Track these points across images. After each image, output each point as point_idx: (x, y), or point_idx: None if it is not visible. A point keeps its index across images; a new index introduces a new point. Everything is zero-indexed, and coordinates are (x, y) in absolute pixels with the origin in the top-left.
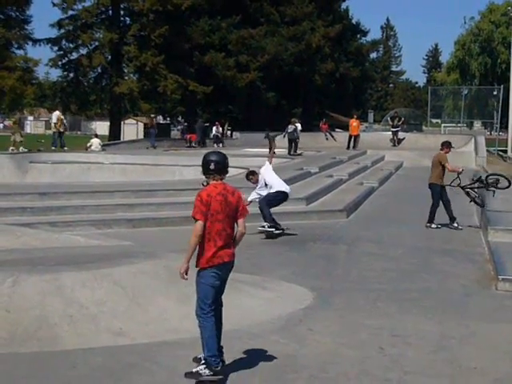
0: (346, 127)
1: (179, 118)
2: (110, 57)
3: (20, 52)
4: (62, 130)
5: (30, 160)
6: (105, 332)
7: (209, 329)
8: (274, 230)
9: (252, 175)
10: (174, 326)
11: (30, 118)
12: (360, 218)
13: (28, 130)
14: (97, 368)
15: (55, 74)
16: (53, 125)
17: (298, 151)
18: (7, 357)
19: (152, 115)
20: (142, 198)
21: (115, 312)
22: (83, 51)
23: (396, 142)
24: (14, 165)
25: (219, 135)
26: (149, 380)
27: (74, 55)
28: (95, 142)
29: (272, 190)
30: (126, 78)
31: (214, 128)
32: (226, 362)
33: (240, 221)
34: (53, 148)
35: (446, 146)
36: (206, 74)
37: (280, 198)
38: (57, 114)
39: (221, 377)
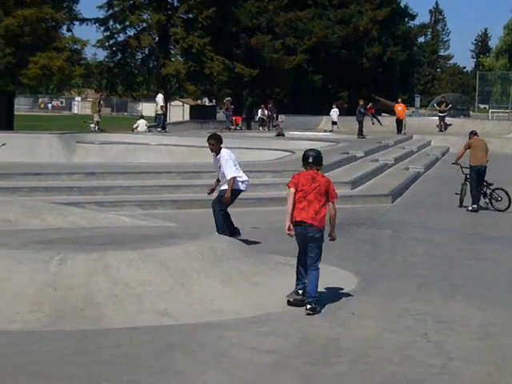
0: (392, 112)
1: (225, 100)
2: (157, 38)
3: (68, 33)
4: (163, 112)
5: (78, 140)
6: (149, 312)
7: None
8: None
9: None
10: (218, 307)
11: (78, 98)
12: (405, 203)
13: (75, 110)
14: (141, 347)
15: (102, 55)
16: (158, 107)
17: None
18: (54, 334)
19: (227, 98)
20: (187, 179)
21: (160, 292)
22: (130, 32)
23: (443, 127)
24: (61, 144)
25: (265, 118)
26: (192, 360)
27: (121, 36)
28: (141, 123)
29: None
30: (173, 59)
31: (260, 111)
32: (270, 345)
33: (331, 204)
34: (158, 130)
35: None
36: (252, 57)
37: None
38: (161, 96)
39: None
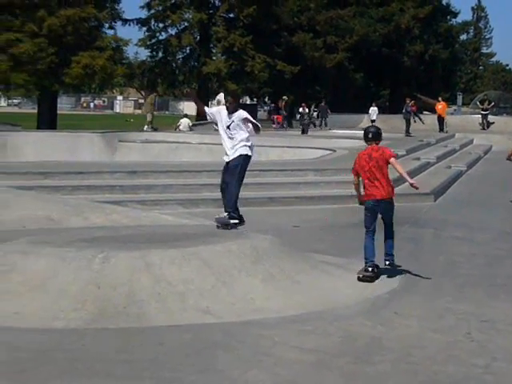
0: (434, 110)
1: (266, 99)
2: (198, 37)
3: (110, 32)
4: None
5: (120, 139)
6: (192, 310)
7: (365, 243)
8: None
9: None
10: (259, 306)
11: (120, 97)
12: (448, 201)
13: (117, 109)
14: (184, 345)
15: (144, 54)
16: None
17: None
18: (97, 332)
19: (284, 97)
20: None
21: (202, 290)
22: (171, 31)
23: (485, 125)
24: (103, 143)
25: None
26: (234, 359)
27: (163, 35)
28: (184, 122)
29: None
30: (214, 58)
31: (301, 109)
32: (312, 344)
33: (392, 164)
34: (215, 128)
35: None
36: (293, 55)
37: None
38: (222, 95)
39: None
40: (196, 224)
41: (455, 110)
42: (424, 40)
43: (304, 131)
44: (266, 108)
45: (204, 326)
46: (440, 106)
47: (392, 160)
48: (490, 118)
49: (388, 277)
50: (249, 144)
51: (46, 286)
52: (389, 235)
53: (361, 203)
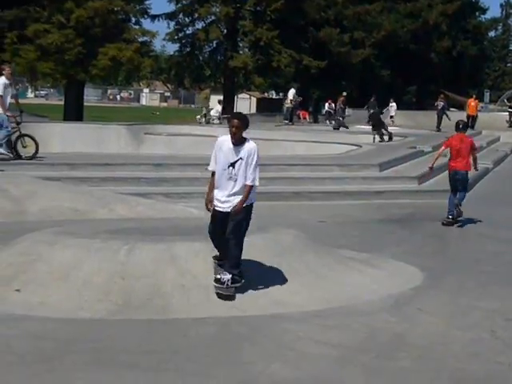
0: (461, 107)
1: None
2: (225, 31)
3: (137, 26)
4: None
5: (146, 131)
6: (216, 303)
7: (449, 198)
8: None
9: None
10: (283, 300)
11: (146, 90)
12: (473, 198)
13: (143, 102)
14: (208, 337)
15: (171, 48)
16: (288, 101)
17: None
18: (122, 323)
19: (344, 93)
20: None
21: None
22: (198, 26)
23: None
24: (129, 135)
25: (331, 111)
26: (258, 351)
27: (190, 30)
28: (216, 108)
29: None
30: (241, 52)
31: (327, 104)
32: (335, 339)
33: (473, 154)
34: (285, 122)
35: None
36: (320, 50)
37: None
38: (293, 91)
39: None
40: None
41: (482, 107)
42: (452, 36)
43: (338, 127)
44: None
45: (228, 319)
46: (473, 103)
47: (475, 152)
48: None
49: (412, 273)
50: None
51: (71, 276)
52: (461, 194)
53: (430, 169)
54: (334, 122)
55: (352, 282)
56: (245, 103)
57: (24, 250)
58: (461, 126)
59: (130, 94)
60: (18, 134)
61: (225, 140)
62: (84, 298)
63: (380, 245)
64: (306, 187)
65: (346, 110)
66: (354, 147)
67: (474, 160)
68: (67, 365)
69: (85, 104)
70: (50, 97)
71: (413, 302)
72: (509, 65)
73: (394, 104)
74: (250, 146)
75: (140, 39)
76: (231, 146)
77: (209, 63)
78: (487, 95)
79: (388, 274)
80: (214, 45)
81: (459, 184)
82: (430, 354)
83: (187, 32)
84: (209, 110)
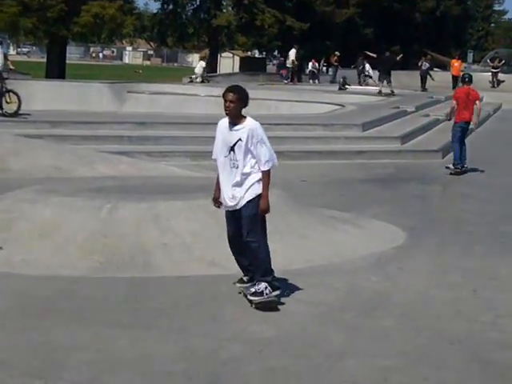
0: (444, 67)
1: (275, 53)
2: None
3: None
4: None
5: (128, 90)
6: (198, 261)
7: (455, 149)
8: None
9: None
10: None
11: (129, 48)
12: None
13: (126, 60)
14: (190, 296)
15: (154, 6)
16: (290, 61)
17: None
18: (104, 281)
19: (337, 53)
20: None
21: (209, 242)
22: None
23: (495, 83)
24: (112, 94)
25: (315, 71)
26: (240, 310)
27: None
28: (200, 65)
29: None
30: (224, 10)
31: (310, 64)
32: (317, 297)
33: (477, 102)
34: (284, 82)
35: None
36: (304, 10)
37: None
38: (294, 51)
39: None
40: (204, 176)
41: (465, 67)
42: None
43: (343, 86)
44: (274, 62)
45: (210, 277)
46: (456, 63)
47: (478, 101)
48: (501, 76)
49: (394, 232)
50: (260, 174)
51: (53, 234)
52: (464, 145)
53: (449, 119)
54: (317, 81)
55: (334, 241)
56: (228, 62)
57: (6, 208)
58: (467, 79)
59: (113, 52)
60: (4, 89)
61: (223, 122)
62: (66, 256)
63: (362, 204)
64: (288, 147)
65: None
66: (337, 107)
67: (477, 113)
68: (49, 322)
69: (67, 62)
70: (33, 54)
71: (394, 261)
72: (492, 25)
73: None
74: (250, 124)
75: None
76: (228, 126)
77: (192, 21)
78: (470, 55)
79: (370, 233)
80: (198, 2)
81: (465, 135)
82: (411, 312)
83: None
84: (205, 70)
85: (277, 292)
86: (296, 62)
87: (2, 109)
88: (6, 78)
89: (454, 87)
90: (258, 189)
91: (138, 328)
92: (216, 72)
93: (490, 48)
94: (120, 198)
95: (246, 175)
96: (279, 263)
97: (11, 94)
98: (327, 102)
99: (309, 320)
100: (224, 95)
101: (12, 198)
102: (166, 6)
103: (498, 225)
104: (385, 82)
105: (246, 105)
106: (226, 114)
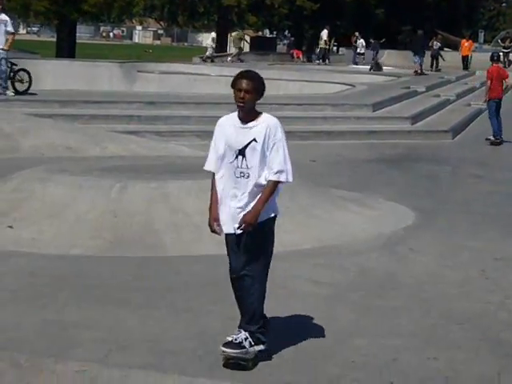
0: (455, 47)
1: (286, 33)
2: None
3: None
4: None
5: (138, 69)
6: (208, 241)
7: (492, 122)
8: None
9: None
10: (276, 239)
11: (139, 27)
12: (466, 139)
13: (136, 39)
14: (199, 275)
15: None
16: (322, 41)
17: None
18: (114, 260)
19: (357, 33)
20: None
21: None
22: None
23: (507, 63)
24: (122, 73)
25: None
26: None
27: None
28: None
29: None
30: None
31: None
32: (327, 277)
33: (506, 80)
34: (317, 62)
35: None
36: None
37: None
38: (326, 32)
39: None
40: None
41: (477, 47)
42: None
43: (373, 68)
44: (285, 42)
45: (220, 257)
46: (466, 43)
47: (508, 78)
48: None
49: (403, 213)
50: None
51: (64, 213)
52: (500, 118)
53: (488, 100)
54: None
55: (344, 221)
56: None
57: (16, 187)
58: (495, 58)
59: (123, 31)
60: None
61: (228, 119)
62: (76, 235)
63: (372, 185)
64: (298, 127)
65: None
66: (348, 87)
67: (506, 88)
68: (59, 301)
69: (77, 41)
70: (42, 33)
71: (404, 241)
72: (504, 5)
73: (361, 41)
74: (268, 121)
75: None
76: (238, 123)
77: (202, 0)
78: (481, 35)
79: (380, 213)
80: None
81: (499, 109)
82: (421, 293)
83: None
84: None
85: (259, 347)
86: (328, 43)
87: (14, 87)
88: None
89: (464, 68)
90: (274, 208)
91: (148, 307)
92: (226, 51)
93: (502, 28)
94: (130, 177)
95: (259, 188)
96: (290, 243)
97: (22, 72)
98: (337, 82)
99: (319, 300)
100: (236, 83)
101: (22, 177)
102: None
103: (506, 206)
104: (418, 60)
105: (262, 95)
106: (240, 108)
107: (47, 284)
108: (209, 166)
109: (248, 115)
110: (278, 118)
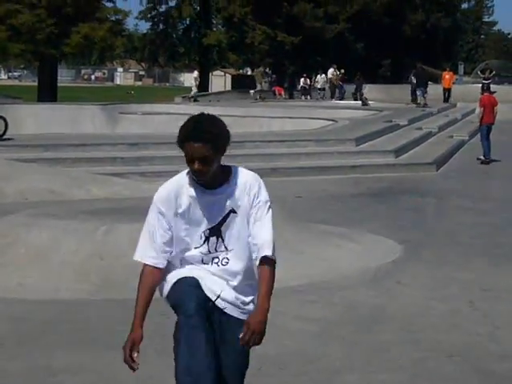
0: (436, 80)
1: (267, 70)
2: (198, 8)
3: (110, 4)
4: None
5: (120, 111)
6: None
7: (483, 144)
8: None
9: None
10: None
11: (120, 69)
12: (450, 171)
13: (118, 81)
14: None
15: (144, 26)
16: (328, 78)
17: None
18: (101, 303)
19: (342, 70)
20: (231, 149)
21: None
22: (172, 3)
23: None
24: (104, 115)
25: (307, 87)
26: None
27: (163, 8)
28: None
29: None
30: (215, 29)
31: (302, 80)
32: (315, 314)
33: (496, 108)
34: (335, 98)
35: None
36: (294, 26)
37: None
38: (331, 70)
39: None
40: None
41: (457, 79)
42: (425, 9)
43: (364, 103)
44: (266, 79)
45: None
46: (447, 75)
47: (496, 106)
48: (492, 87)
49: (390, 246)
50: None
51: (49, 257)
52: (490, 141)
53: (480, 125)
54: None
55: (331, 256)
56: (220, 80)
57: (0, 233)
58: (485, 88)
59: (104, 73)
60: None
61: (179, 186)
62: (62, 279)
63: (358, 219)
64: (282, 163)
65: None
66: (330, 122)
67: (496, 114)
68: (46, 346)
69: (59, 85)
70: (24, 78)
71: (391, 274)
72: (482, 37)
73: (323, 75)
74: (246, 178)
75: (113, 18)
76: (200, 191)
77: (183, 41)
78: (461, 67)
79: (366, 247)
80: (188, 22)
81: (490, 133)
82: (410, 326)
83: (160, 10)
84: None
85: None
86: (335, 80)
87: None
88: None
89: (445, 100)
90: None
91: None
92: (208, 91)
93: (481, 59)
94: (115, 219)
95: (247, 273)
96: (277, 280)
97: None
98: (320, 117)
99: (308, 337)
100: (186, 149)
101: (7, 222)
102: (156, 26)
103: (493, 236)
104: (420, 93)
105: (227, 146)
106: (198, 182)
107: (34, 329)
108: (145, 256)
109: (214, 181)
110: (262, 155)
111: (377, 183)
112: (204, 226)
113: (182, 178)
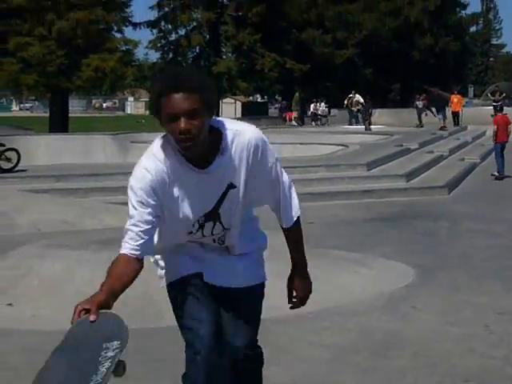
0: (446, 102)
1: (276, 97)
2: (208, 36)
3: (119, 35)
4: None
5: (132, 140)
6: None
7: (497, 160)
8: None
9: None
10: (275, 303)
11: (131, 99)
12: (462, 194)
13: (128, 110)
14: None
15: (154, 56)
16: (359, 103)
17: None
18: None
19: (351, 95)
20: None
21: None
22: (181, 32)
23: None
24: (116, 145)
25: (317, 113)
26: None
27: (173, 36)
28: None
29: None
30: (224, 57)
31: (312, 106)
32: (329, 340)
33: (510, 126)
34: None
35: None
36: (303, 52)
37: None
38: (358, 96)
39: None
40: None
41: (467, 102)
42: (434, 33)
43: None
44: (276, 105)
45: None
46: (456, 99)
47: (510, 125)
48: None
49: (403, 271)
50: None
51: (63, 288)
52: (504, 158)
53: (495, 143)
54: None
55: (344, 282)
56: (230, 108)
57: (14, 264)
58: (498, 108)
59: (115, 103)
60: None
61: (161, 169)
62: None
63: (370, 244)
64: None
65: (332, 110)
66: (341, 147)
67: (509, 133)
68: None
69: (70, 115)
70: (35, 109)
71: (405, 299)
72: (491, 59)
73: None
74: (242, 139)
75: (122, 48)
76: (188, 168)
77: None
78: (471, 90)
79: (379, 272)
80: (197, 50)
81: (504, 151)
82: (425, 351)
83: (170, 39)
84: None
85: None
86: (360, 104)
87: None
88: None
89: (455, 124)
90: (258, 275)
91: (150, 379)
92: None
93: (490, 82)
94: None
95: (243, 234)
96: (289, 306)
97: (9, 152)
98: (330, 142)
99: (322, 363)
100: (165, 101)
101: (20, 254)
102: (166, 54)
103: (506, 259)
104: (442, 116)
105: (216, 105)
106: (185, 150)
107: None
108: (129, 248)
109: (205, 153)
110: None
111: (388, 208)
112: (197, 211)
113: (161, 159)
